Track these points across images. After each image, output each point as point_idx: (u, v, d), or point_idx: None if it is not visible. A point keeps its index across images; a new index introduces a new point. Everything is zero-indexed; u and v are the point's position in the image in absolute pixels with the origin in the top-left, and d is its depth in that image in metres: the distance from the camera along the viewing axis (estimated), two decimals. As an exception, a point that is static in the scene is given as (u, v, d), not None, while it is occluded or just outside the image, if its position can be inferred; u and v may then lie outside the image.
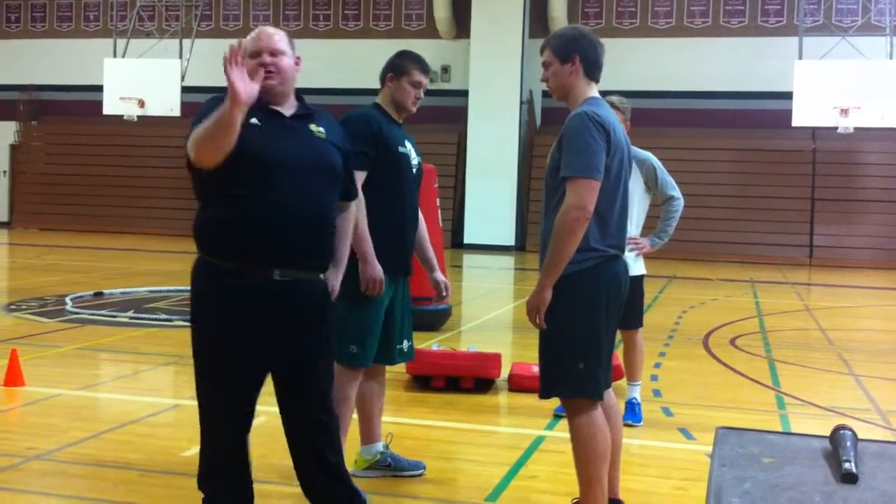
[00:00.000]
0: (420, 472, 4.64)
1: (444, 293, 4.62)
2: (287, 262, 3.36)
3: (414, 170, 4.41)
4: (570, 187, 3.47)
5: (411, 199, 4.39)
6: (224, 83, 3.15)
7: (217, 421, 3.44)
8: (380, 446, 4.61)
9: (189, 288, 3.49)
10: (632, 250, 5.31)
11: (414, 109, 4.43)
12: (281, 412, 3.55)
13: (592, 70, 3.69)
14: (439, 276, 4.63)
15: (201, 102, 3.45)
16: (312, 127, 3.51)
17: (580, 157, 3.47)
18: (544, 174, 3.71)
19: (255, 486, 3.54)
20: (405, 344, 4.50)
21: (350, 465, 4.51)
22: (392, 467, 4.59)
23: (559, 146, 3.58)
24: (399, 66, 4.37)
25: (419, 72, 4.37)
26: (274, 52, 3.44)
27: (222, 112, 3.16)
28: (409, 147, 4.40)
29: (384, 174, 4.21)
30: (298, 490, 3.66)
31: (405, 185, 4.34)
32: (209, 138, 3.20)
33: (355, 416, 4.50)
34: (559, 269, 3.51)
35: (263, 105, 3.40)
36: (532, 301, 3.59)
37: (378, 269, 4.10)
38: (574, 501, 3.99)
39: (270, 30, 3.51)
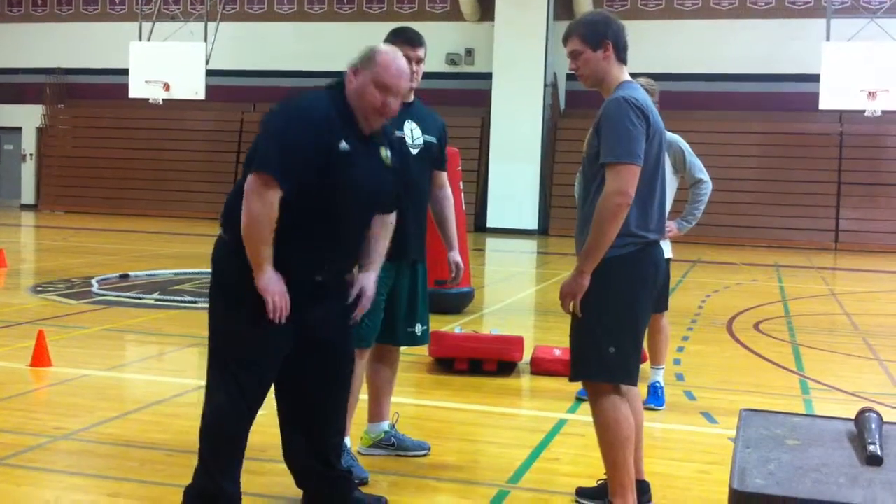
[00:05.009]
0: (424, 452, 4.65)
1: (454, 274, 4.55)
2: (329, 270, 3.52)
3: (415, 150, 4.28)
4: (610, 173, 3.44)
5: (409, 183, 4.17)
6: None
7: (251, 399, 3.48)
8: (385, 425, 4.63)
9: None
10: (664, 234, 5.29)
11: (412, 85, 4.22)
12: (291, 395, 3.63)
13: (623, 53, 3.66)
14: (454, 256, 4.57)
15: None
16: (382, 152, 3.56)
17: (620, 142, 3.43)
18: (582, 161, 3.68)
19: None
20: (418, 328, 4.47)
21: (355, 442, 4.54)
22: (396, 446, 4.62)
23: (597, 132, 3.54)
24: None
25: (402, 45, 4.15)
26: (399, 95, 3.46)
27: (255, 256, 3.27)
28: (408, 129, 4.27)
29: None
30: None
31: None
32: (249, 227, 3.27)
33: (363, 395, 4.52)
34: (599, 256, 3.47)
35: (352, 122, 3.43)
36: (568, 286, 3.54)
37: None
38: (599, 482, 4.00)
39: (404, 67, 3.49)
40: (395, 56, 3.47)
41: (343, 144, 3.34)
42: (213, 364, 3.49)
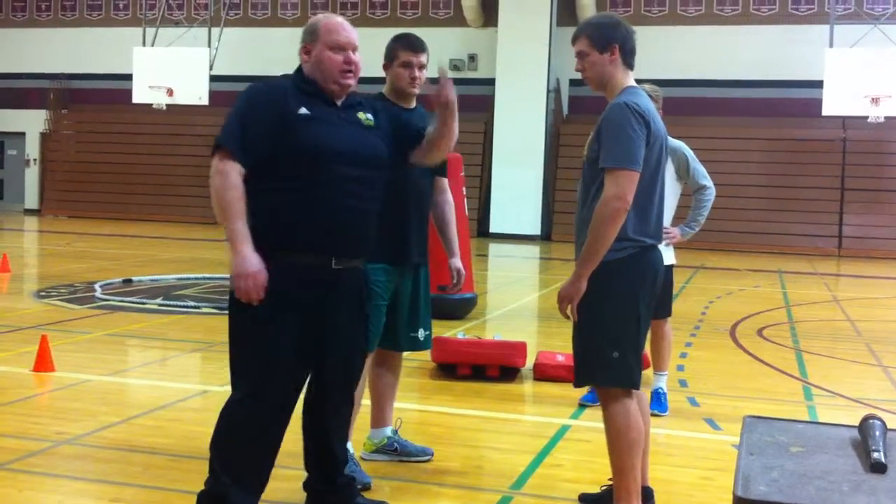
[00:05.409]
0: (427, 458, 4.64)
1: (455, 280, 4.53)
2: (342, 251, 3.46)
3: None
4: (609, 178, 3.44)
5: (411, 187, 4.21)
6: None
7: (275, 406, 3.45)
8: (388, 431, 4.63)
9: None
10: (662, 240, 5.29)
11: (415, 91, 4.30)
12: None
13: (630, 58, 3.67)
14: (455, 262, 4.57)
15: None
16: (360, 115, 3.56)
17: (620, 147, 3.44)
18: (582, 164, 3.68)
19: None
20: (420, 332, 4.47)
21: (358, 448, 4.54)
22: (399, 452, 4.62)
23: (597, 137, 3.55)
24: (388, 52, 4.32)
25: (405, 51, 4.25)
26: (356, 49, 3.47)
27: (229, 236, 3.24)
28: None
29: None
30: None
31: (401, 174, 4.07)
32: (216, 205, 3.29)
33: (366, 401, 4.51)
34: (597, 260, 3.48)
35: (316, 93, 3.45)
36: (566, 291, 3.55)
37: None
38: (603, 488, 4.00)
39: (347, 23, 3.50)
40: (335, 18, 3.53)
41: (302, 110, 3.38)
42: (230, 368, 3.49)
